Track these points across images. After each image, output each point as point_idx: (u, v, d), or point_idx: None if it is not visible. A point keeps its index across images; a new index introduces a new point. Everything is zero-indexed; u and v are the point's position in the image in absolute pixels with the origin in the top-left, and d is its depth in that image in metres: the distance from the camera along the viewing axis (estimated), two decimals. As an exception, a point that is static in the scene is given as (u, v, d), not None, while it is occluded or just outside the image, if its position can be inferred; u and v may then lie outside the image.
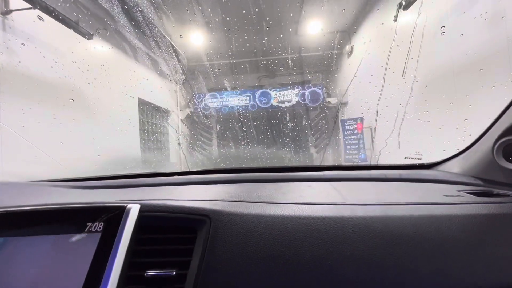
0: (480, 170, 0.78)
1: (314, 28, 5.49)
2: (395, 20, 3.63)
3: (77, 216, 0.51)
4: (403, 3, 3.42)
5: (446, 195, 0.63)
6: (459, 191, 0.67)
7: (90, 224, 0.49)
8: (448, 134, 0.94)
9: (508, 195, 0.62)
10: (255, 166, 1.43)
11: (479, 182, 0.75)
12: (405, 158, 1.07)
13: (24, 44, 2.84)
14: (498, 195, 0.63)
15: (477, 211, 0.53)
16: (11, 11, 2.86)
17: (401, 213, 0.53)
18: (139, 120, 4.78)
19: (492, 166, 0.73)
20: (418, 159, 1.03)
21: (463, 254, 0.47)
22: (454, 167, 0.88)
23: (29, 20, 2.99)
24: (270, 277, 0.46)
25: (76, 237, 0.48)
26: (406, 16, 3.03)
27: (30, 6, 2.97)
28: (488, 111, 0.79)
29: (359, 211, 0.54)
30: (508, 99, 0.72)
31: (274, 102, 6.75)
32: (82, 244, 0.47)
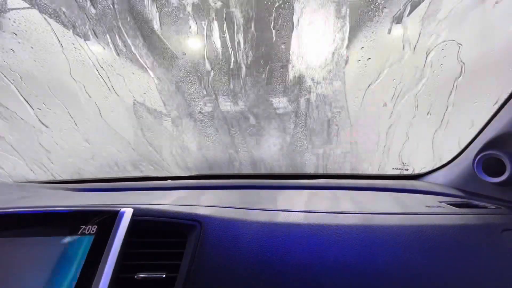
0: (461, 182, 0.82)
1: (310, 37, 5.58)
2: (388, 33, 3.74)
3: (71, 218, 0.52)
4: (397, 16, 3.52)
5: (428, 206, 0.66)
6: (440, 202, 0.70)
7: (83, 227, 0.50)
8: (433, 145, 0.99)
9: (485, 207, 0.65)
10: (248, 172, 1.44)
11: (460, 193, 0.78)
12: (393, 168, 1.11)
13: (20, 43, 2.81)
14: (476, 206, 0.66)
15: (455, 221, 0.56)
16: (8, 10, 2.84)
17: (384, 222, 0.55)
18: (133, 123, 4.75)
19: (473, 178, 0.77)
20: (405, 169, 1.07)
21: (441, 262, 0.49)
22: (439, 178, 0.92)
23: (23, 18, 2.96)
24: (257, 282, 0.47)
25: (69, 239, 0.49)
26: (399, 30, 3.11)
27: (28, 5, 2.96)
28: (471, 124, 0.83)
29: (344, 220, 0.56)
30: (488, 115, 0.76)
31: (270, 108, 6.80)
32: (75, 246, 0.48)
